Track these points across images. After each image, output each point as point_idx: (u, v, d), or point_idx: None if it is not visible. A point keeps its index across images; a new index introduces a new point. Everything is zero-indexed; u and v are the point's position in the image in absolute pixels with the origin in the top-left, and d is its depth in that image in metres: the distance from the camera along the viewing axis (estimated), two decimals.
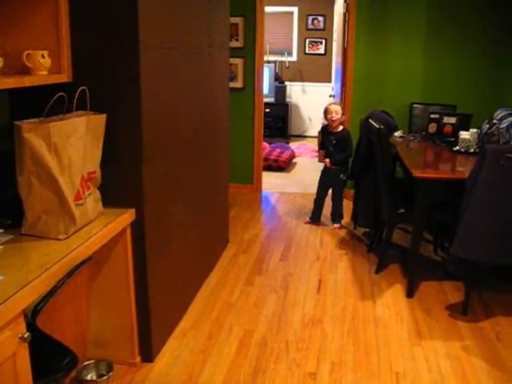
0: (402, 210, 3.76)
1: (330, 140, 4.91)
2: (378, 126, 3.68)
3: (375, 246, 4.41)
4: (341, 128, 4.88)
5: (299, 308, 3.47)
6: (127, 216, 2.48)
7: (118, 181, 2.49)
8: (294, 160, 8.02)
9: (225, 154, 4.24)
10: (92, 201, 2.32)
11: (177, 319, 3.24)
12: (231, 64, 5.63)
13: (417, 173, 3.41)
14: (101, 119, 2.30)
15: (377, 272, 3.99)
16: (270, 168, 7.18)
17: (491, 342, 3.08)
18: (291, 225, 5.09)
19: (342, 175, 4.95)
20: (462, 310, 3.41)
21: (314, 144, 8.94)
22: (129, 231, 2.53)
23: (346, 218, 5.11)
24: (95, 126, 2.26)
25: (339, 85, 6.09)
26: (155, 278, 2.74)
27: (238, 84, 5.89)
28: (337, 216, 5.05)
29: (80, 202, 2.19)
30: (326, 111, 4.87)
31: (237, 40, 5.73)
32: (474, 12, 5.45)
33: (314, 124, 10.03)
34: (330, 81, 9.54)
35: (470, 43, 5.52)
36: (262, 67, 5.92)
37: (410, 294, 3.63)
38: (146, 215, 2.56)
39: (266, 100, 6.98)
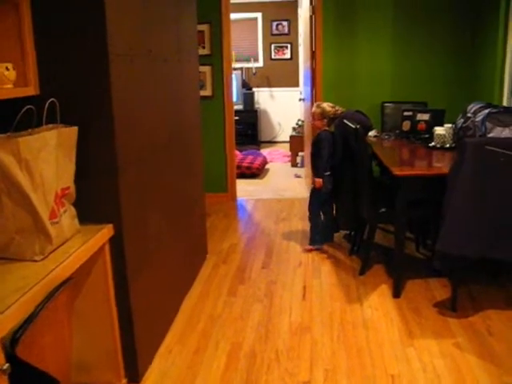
0: (383, 210, 3.71)
1: None
2: (354, 127, 3.63)
3: (357, 249, 4.35)
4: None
5: (286, 316, 3.38)
6: (105, 232, 2.37)
7: (93, 195, 2.38)
8: (267, 166, 7.96)
9: (199, 163, 4.15)
10: (68, 218, 2.21)
11: (161, 335, 3.13)
12: (199, 72, 5.55)
13: (397, 171, 3.36)
14: (72, 132, 2.20)
15: (361, 274, 3.93)
16: (243, 175, 7.11)
17: (483, 337, 3.04)
18: (270, 231, 5.02)
19: (312, 185, 4.48)
20: (450, 307, 3.37)
21: (285, 149, 8.91)
22: (107, 248, 2.42)
23: None
24: (67, 139, 2.15)
25: (309, 88, 6.04)
26: (137, 295, 2.63)
27: (207, 92, 5.80)
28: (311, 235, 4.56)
29: (55, 220, 2.08)
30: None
31: (203, 47, 5.64)
32: (440, 9, 5.50)
33: (283, 129, 9.99)
34: (297, 85, 9.52)
35: (438, 40, 5.55)
36: (230, 74, 5.85)
37: (396, 293, 3.57)
38: (124, 230, 2.45)
39: (234, 107, 6.89)
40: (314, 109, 4.37)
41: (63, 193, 2.16)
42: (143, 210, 2.73)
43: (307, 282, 3.87)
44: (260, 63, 9.97)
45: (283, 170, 7.82)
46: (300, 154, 7.80)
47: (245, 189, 6.58)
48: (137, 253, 2.64)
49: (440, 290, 3.64)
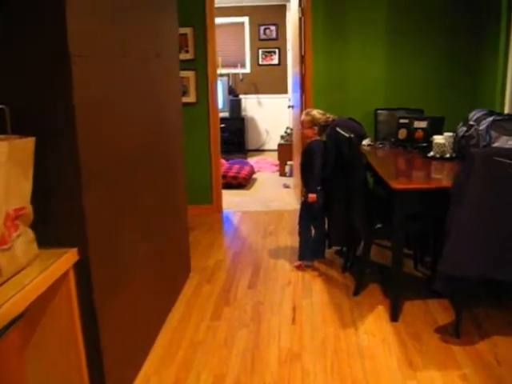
0: (378, 225, 3.44)
1: None
2: (348, 136, 3.35)
3: (350, 265, 4.07)
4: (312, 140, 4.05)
5: (274, 343, 3.09)
6: (68, 257, 2.07)
7: (54, 215, 2.08)
8: (254, 176, 7.68)
9: (181, 173, 3.86)
10: (23, 243, 1.90)
11: (138, 365, 2.82)
12: (182, 77, 5.26)
13: (395, 184, 3.08)
14: (28, 144, 1.89)
15: (355, 294, 3.64)
16: (229, 186, 6.81)
17: (491, 368, 2.75)
18: (257, 246, 4.72)
19: (302, 197, 4.23)
20: (453, 332, 3.09)
21: (273, 158, 8.64)
22: (72, 275, 2.12)
23: None
24: (20, 152, 1.84)
25: (298, 95, 5.77)
26: (108, 325, 2.33)
27: (191, 99, 5.51)
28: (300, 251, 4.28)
29: (5, 246, 1.78)
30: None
31: (187, 52, 5.36)
32: (437, 11, 5.25)
33: (271, 137, 9.72)
34: (286, 91, 9.28)
35: (435, 45, 5.32)
36: (215, 80, 5.57)
37: (394, 317, 3.29)
38: (91, 253, 2.15)
39: (220, 115, 6.62)
40: (303, 116, 4.08)
41: (16, 214, 1.85)
42: (115, 229, 2.44)
43: (297, 303, 3.58)
44: (247, 69, 9.70)
45: (271, 180, 7.54)
46: (289, 162, 7.53)
47: (231, 200, 6.28)
48: (107, 278, 2.34)
49: (441, 313, 3.36)
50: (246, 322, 3.33)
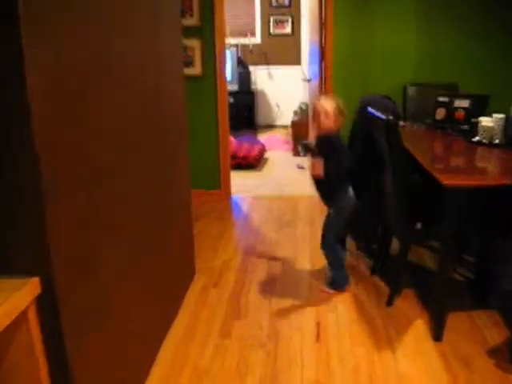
0: (419, 226, 2.88)
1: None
2: (385, 118, 2.77)
3: (380, 267, 3.51)
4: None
5: (296, 369, 2.55)
6: (27, 290, 1.53)
7: (8, 238, 1.54)
8: (265, 155, 7.09)
9: (183, 159, 3.30)
10: None
11: None
12: (187, 47, 4.68)
13: (447, 180, 2.49)
14: None
15: (388, 304, 3.10)
16: (239, 166, 6.24)
17: None
18: (270, 240, 4.15)
19: (331, 209, 3.23)
20: (509, 357, 2.55)
21: (284, 134, 8.07)
22: (33, 312, 1.58)
23: None
24: None
25: (316, 67, 5.18)
26: (85, 370, 1.81)
27: (196, 71, 4.91)
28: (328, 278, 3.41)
29: None
30: (313, 112, 3.11)
31: (191, 16, 4.74)
32: None
33: (283, 112, 9.11)
34: (299, 63, 8.64)
35: (472, 11, 4.67)
36: (223, 50, 4.96)
37: (437, 336, 2.75)
38: (58, 283, 1.61)
39: (228, 88, 6.01)
40: (328, 105, 2.98)
41: None
42: (92, 246, 1.89)
43: (321, 315, 3.03)
44: (257, 39, 9.05)
45: (284, 160, 6.94)
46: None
47: (240, 183, 5.70)
48: (83, 311, 1.80)
49: (491, 329, 2.82)
50: (262, 341, 2.79)
